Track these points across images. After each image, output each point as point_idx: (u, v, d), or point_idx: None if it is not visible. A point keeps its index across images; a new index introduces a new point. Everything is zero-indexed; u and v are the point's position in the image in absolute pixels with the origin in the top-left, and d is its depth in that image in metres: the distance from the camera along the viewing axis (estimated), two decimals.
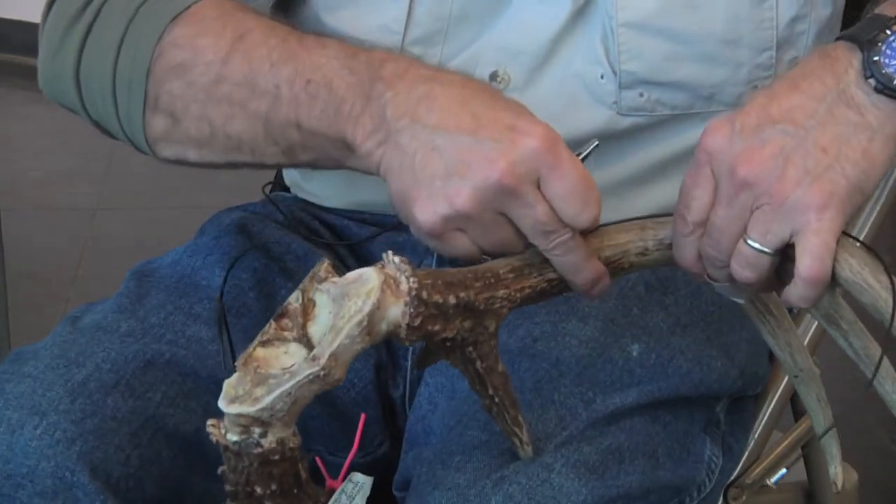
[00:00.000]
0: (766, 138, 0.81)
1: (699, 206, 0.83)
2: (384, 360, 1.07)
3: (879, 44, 0.81)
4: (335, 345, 0.76)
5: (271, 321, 0.79)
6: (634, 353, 0.98)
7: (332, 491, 0.84)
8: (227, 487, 0.79)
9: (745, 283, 0.83)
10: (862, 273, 0.80)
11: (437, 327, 0.80)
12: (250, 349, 0.79)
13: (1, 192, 2.63)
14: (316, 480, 0.83)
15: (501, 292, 0.83)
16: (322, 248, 1.08)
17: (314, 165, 0.90)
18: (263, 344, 0.79)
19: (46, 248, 2.55)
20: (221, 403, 0.76)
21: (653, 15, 0.98)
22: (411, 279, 0.78)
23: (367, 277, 0.78)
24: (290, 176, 1.17)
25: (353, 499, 0.84)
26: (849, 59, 0.82)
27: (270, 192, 1.17)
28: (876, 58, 0.81)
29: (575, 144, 1.04)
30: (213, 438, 0.77)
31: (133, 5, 0.92)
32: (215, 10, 0.91)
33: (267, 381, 0.76)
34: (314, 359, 0.76)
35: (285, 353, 0.79)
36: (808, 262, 0.79)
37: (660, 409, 0.97)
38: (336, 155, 0.86)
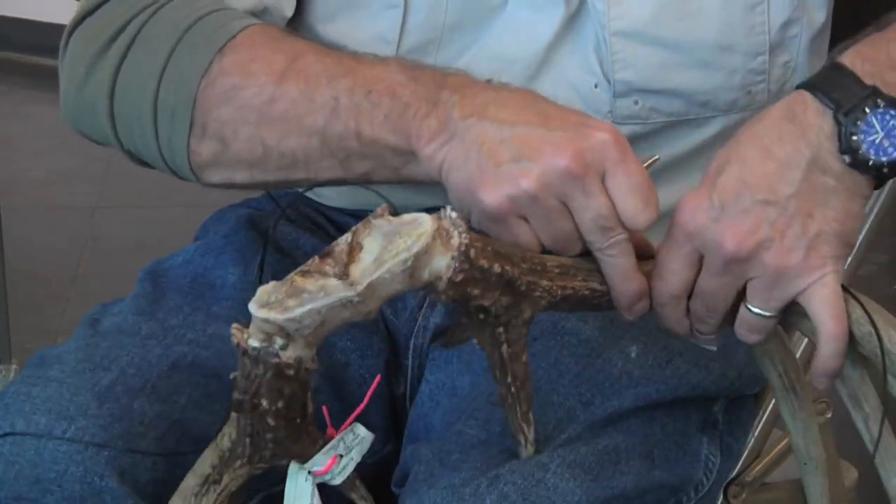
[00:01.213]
0: (749, 211, 0.81)
1: (678, 281, 0.85)
2: (389, 357, 1.07)
3: (858, 122, 0.81)
4: (375, 275, 0.77)
5: (315, 257, 0.79)
6: (633, 355, 0.99)
7: (331, 438, 0.84)
8: (235, 395, 0.80)
9: (752, 344, 0.86)
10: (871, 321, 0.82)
11: (476, 291, 0.81)
12: (290, 276, 0.79)
13: (1, 192, 2.63)
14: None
15: (545, 282, 0.84)
16: (329, 244, 1.08)
17: (369, 178, 0.90)
18: (303, 274, 0.79)
19: (46, 248, 2.55)
20: (252, 307, 0.77)
21: (645, 24, 0.98)
22: (463, 235, 0.79)
23: (422, 221, 0.79)
24: None
25: (351, 450, 0.84)
26: (820, 127, 0.82)
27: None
28: (854, 137, 0.81)
29: None
30: (235, 340, 0.78)
31: (175, 34, 0.91)
32: (265, 37, 0.91)
33: (301, 295, 0.77)
34: (352, 284, 0.77)
35: (323, 285, 0.79)
36: (827, 315, 0.82)
37: (657, 410, 0.97)
38: (395, 162, 0.87)
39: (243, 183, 0.93)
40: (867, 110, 0.81)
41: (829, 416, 1.13)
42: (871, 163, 0.81)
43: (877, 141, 0.81)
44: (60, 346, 0.98)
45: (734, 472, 1.16)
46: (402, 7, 1.00)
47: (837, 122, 0.82)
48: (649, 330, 0.99)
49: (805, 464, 0.91)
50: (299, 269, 0.79)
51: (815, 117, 0.82)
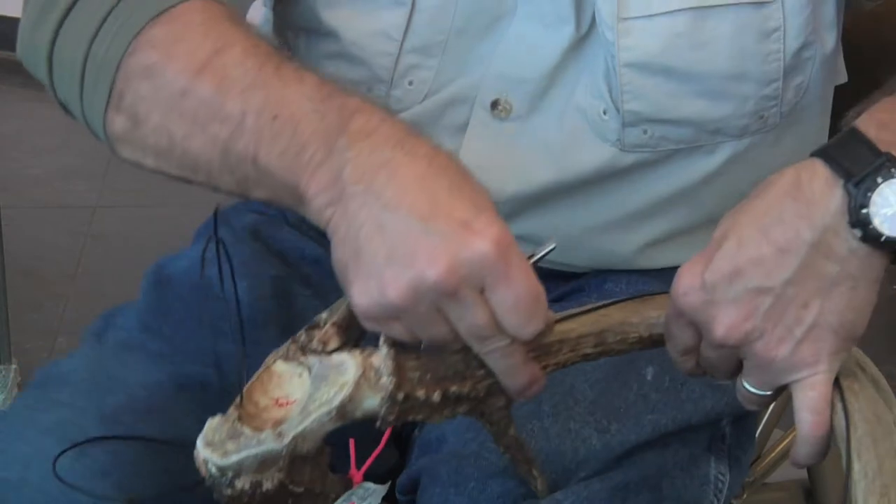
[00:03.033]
0: (739, 297, 0.76)
1: (681, 344, 0.83)
2: None
3: (869, 193, 0.74)
4: (302, 427, 0.77)
5: (302, 333, 0.80)
6: (649, 377, 0.97)
7: (350, 482, 0.84)
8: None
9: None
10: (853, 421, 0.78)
11: (421, 416, 0.79)
12: (270, 362, 0.80)
13: (1, 190, 2.63)
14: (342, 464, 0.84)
15: None
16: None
17: (269, 203, 0.86)
18: (286, 359, 0.80)
19: (46, 246, 2.55)
20: (199, 441, 0.77)
21: (656, 55, 0.96)
22: (390, 378, 0.77)
23: (346, 368, 0.78)
24: None
25: (366, 500, 0.85)
26: (827, 205, 0.75)
27: None
28: (865, 210, 0.74)
29: (579, 183, 1.03)
30: (196, 462, 0.78)
31: None
32: (201, 15, 0.86)
33: (239, 439, 0.77)
34: (279, 435, 0.77)
35: (300, 376, 0.79)
36: (808, 419, 0.77)
37: (670, 438, 0.97)
38: (288, 200, 0.81)
39: (151, 169, 0.88)
40: (880, 181, 0.74)
41: None
42: (883, 238, 0.74)
43: (890, 214, 0.74)
44: (65, 363, 0.97)
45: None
46: (409, 6, 0.98)
47: (847, 193, 0.75)
48: (665, 351, 0.98)
49: None
50: (281, 352, 0.80)
51: (823, 190, 0.76)
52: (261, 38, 0.85)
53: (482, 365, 0.79)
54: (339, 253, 0.77)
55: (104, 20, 0.86)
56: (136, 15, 0.86)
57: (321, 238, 1.08)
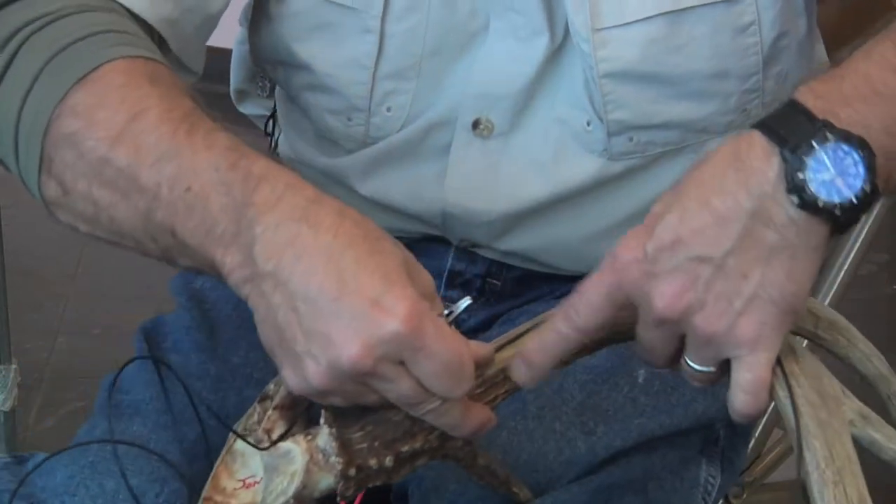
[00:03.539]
0: (680, 267, 0.75)
1: (588, 313, 0.78)
2: None
3: (805, 158, 0.73)
4: None
5: (255, 406, 0.81)
6: (640, 379, 0.97)
7: None
8: None
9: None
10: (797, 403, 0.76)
11: (378, 482, 0.79)
12: (231, 441, 0.81)
13: (1, 190, 2.62)
14: None
15: None
16: None
17: (197, 272, 0.85)
18: (243, 437, 0.80)
19: (46, 246, 2.55)
20: None
21: (635, 63, 0.96)
22: (337, 459, 0.77)
23: (293, 457, 0.78)
24: None
25: None
26: (765, 172, 0.74)
27: None
28: (801, 174, 0.73)
29: (570, 196, 1.02)
30: None
31: (49, 53, 0.85)
32: (121, 77, 0.84)
33: None
34: None
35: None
36: (741, 398, 0.75)
37: (659, 441, 0.97)
38: (210, 272, 0.80)
39: (86, 233, 0.87)
40: (815, 145, 0.73)
41: None
42: (820, 203, 0.73)
43: (827, 180, 0.73)
44: (127, 392, 0.97)
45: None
46: (378, 33, 0.98)
47: (784, 160, 0.74)
48: None
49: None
50: (239, 426, 0.81)
51: (761, 159, 0.75)
52: (179, 98, 0.83)
53: None
54: (264, 335, 0.77)
55: (34, 82, 0.85)
56: (62, 77, 0.84)
57: None
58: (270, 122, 1.22)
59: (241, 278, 0.77)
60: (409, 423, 0.79)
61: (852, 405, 0.77)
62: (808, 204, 0.73)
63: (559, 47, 0.98)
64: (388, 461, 0.78)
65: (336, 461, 0.77)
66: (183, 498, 0.88)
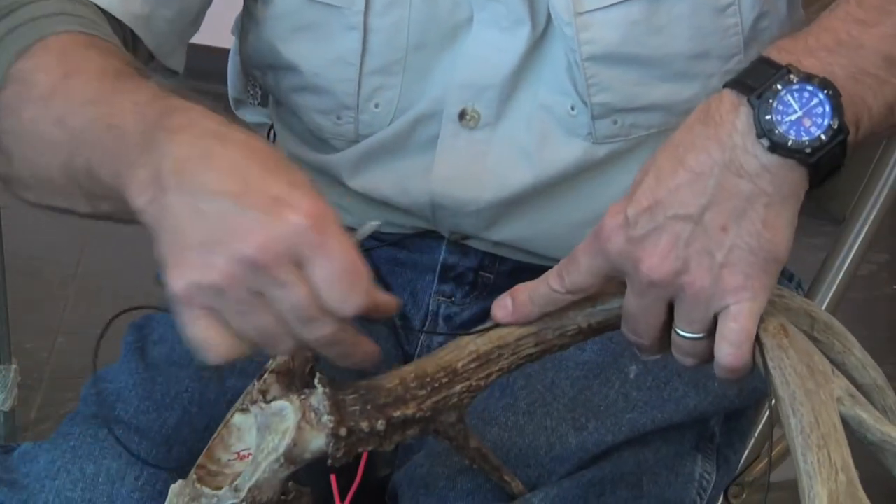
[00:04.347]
0: (660, 228, 0.76)
1: (576, 277, 0.80)
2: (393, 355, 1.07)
3: (770, 100, 0.75)
4: (254, 479, 0.78)
5: (254, 383, 0.81)
6: (632, 375, 0.98)
7: None
8: None
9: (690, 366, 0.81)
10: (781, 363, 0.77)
11: (370, 447, 0.80)
12: (229, 416, 0.81)
13: (1, 190, 2.62)
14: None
15: (459, 387, 0.82)
16: None
17: (120, 219, 0.84)
18: (242, 411, 0.81)
19: (46, 246, 2.55)
20: None
21: (617, 45, 0.97)
22: (330, 417, 0.78)
23: (286, 414, 0.79)
24: None
25: None
26: (733, 122, 0.76)
27: None
28: (768, 116, 0.75)
29: (556, 182, 1.03)
30: None
31: (3, 28, 0.87)
32: (62, 45, 0.85)
33: (200, 500, 0.78)
34: (236, 490, 0.78)
35: (216, 494, 0.80)
36: (725, 350, 0.76)
37: (651, 436, 0.97)
38: (126, 209, 0.79)
39: (33, 203, 0.87)
40: (779, 87, 0.76)
41: None
42: (790, 143, 0.75)
43: (795, 119, 0.75)
44: (112, 381, 0.98)
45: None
46: (362, 29, 0.99)
47: (752, 106, 0.76)
48: None
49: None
50: (237, 405, 0.81)
51: (729, 110, 0.77)
52: (114, 58, 0.84)
53: (423, 385, 0.80)
54: (160, 245, 0.75)
55: None
56: (5, 55, 0.85)
57: None
58: (272, 132, 1.23)
59: (146, 200, 0.76)
60: (402, 390, 0.80)
61: (841, 383, 0.78)
62: (777, 146, 0.75)
63: (541, 36, 0.99)
64: (380, 425, 0.79)
65: (328, 420, 0.78)
66: (162, 482, 0.89)
